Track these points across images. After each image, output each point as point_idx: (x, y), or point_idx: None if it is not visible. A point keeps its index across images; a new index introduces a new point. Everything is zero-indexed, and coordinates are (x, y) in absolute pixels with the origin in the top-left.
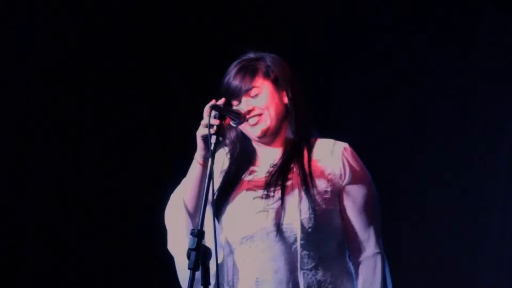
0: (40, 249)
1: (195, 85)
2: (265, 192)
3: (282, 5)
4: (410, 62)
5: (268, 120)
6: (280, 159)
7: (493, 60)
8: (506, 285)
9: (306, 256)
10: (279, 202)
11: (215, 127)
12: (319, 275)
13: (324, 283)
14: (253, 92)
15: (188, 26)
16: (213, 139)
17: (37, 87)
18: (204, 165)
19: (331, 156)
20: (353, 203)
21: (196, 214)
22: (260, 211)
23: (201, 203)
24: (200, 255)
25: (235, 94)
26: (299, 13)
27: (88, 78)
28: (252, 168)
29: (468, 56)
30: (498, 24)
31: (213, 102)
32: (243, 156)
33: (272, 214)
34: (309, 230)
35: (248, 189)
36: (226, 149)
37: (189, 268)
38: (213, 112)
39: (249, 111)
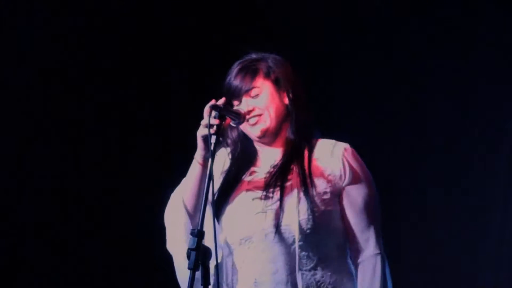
0: (40, 249)
1: (195, 85)
2: (264, 193)
3: (282, 5)
4: (410, 62)
5: (267, 120)
6: (280, 160)
7: (493, 60)
8: (506, 285)
9: (305, 257)
10: (278, 203)
11: (215, 127)
12: (318, 275)
13: (323, 284)
14: (253, 92)
15: (188, 26)
16: (213, 139)
17: (37, 87)
18: (204, 165)
19: (331, 157)
20: (353, 204)
21: (195, 214)
22: (259, 212)
23: (201, 203)
24: (200, 255)
25: (236, 94)
26: (299, 13)
27: (88, 78)
28: (252, 168)
29: (468, 56)
30: (498, 24)
31: (213, 102)
32: (244, 157)
33: (270, 215)
34: (308, 231)
35: (247, 190)
36: (228, 149)
37: (189, 268)
38: (213, 112)
39: (249, 111)
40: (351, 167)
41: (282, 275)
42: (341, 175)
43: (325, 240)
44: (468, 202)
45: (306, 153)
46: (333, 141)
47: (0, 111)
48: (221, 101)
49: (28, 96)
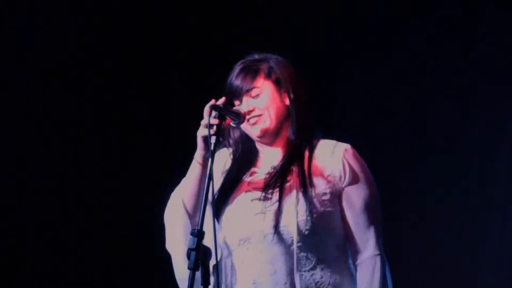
0: (40, 249)
1: (195, 85)
2: (263, 194)
3: (282, 5)
4: (410, 62)
5: (267, 120)
6: (280, 160)
7: (493, 60)
8: (506, 285)
9: (304, 258)
10: (277, 204)
11: (215, 127)
12: (318, 276)
13: (323, 284)
14: (254, 92)
15: (188, 26)
16: (213, 139)
17: (37, 87)
18: (204, 165)
19: (331, 158)
20: (352, 205)
21: (194, 214)
22: (257, 213)
23: (201, 203)
24: (200, 255)
25: (237, 94)
26: (299, 13)
27: (88, 78)
28: (253, 169)
29: (468, 56)
30: (498, 24)
31: (212, 102)
32: (245, 157)
33: (269, 216)
34: (306, 232)
35: (247, 191)
36: (230, 149)
37: (189, 268)
38: (213, 112)
39: (249, 111)
40: (351, 168)
41: (281, 276)
42: (340, 176)
43: (324, 241)
44: (468, 202)
45: (306, 153)
46: (334, 142)
47: (0, 111)
48: (221, 101)
49: (28, 96)
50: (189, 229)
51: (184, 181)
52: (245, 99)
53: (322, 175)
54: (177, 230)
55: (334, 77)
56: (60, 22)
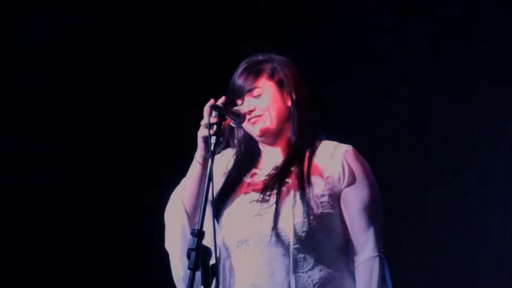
0: (40, 249)
1: (195, 85)
2: (262, 196)
3: (282, 5)
4: (410, 62)
5: (267, 120)
6: (281, 162)
7: (493, 60)
8: (506, 285)
9: (302, 259)
10: (274, 206)
11: (215, 127)
12: (316, 277)
13: (321, 286)
14: (255, 92)
15: (188, 26)
16: (213, 139)
17: (37, 87)
18: (204, 165)
19: (331, 159)
20: (351, 206)
21: (194, 214)
22: (255, 215)
23: (201, 203)
24: (200, 255)
25: (239, 93)
26: (299, 13)
27: (88, 78)
28: (254, 170)
29: (468, 56)
30: (498, 24)
31: (212, 101)
32: (247, 157)
33: (266, 218)
34: (303, 234)
35: (246, 192)
36: (234, 149)
37: (189, 268)
38: (213, 112)
39: (250, 111)
40: (350, 169)
41: (279, 277)
42: (339, 178)
43: (322, 242)
44: (468, 202)
45: (307, 154)
46: (335, 143)
47: (0, 111)
48: (221, 101)
49: (28, 96)
50: (188, 230)
51: (184, 181)
52: (246, 98)
53: (321, 176)
54: (176, 231)
55: (334, 77)
56: (60, 22)
